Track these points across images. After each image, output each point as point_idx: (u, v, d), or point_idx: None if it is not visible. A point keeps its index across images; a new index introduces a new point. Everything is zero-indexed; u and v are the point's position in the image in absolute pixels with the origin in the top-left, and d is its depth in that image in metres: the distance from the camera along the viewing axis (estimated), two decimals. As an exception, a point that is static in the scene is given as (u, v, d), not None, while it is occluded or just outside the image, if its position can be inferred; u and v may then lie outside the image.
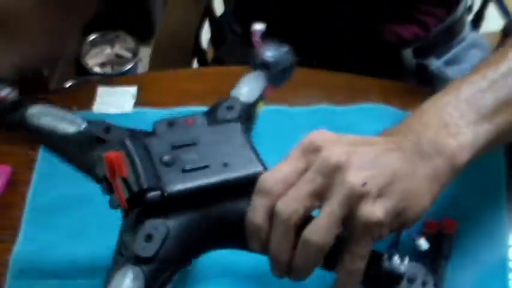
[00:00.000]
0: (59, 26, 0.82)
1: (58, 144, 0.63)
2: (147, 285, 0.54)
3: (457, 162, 0.58)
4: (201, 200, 0.57)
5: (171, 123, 0.62)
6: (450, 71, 0.98)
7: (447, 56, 1.00)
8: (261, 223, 0.55)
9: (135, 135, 0.61)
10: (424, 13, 0.96)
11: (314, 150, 0.56)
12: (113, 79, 1.24)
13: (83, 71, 1.84)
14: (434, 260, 0.67)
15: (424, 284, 0.56)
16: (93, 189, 0.69)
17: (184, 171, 0.57)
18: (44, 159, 0.78)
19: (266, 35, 0.69)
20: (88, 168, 0.61)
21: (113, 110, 0.84)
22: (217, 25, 1.20)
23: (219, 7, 1.19)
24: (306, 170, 0.55)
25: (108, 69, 1.87)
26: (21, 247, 0.71)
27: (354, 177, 0.53)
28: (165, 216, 0.56)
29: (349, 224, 0.54)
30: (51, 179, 0.77)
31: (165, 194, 0.56)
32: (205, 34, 1.21)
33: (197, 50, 1.18)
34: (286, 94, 0.82)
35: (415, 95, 0.78)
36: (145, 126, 0.63)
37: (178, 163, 0.58)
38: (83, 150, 0.61)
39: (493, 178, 0.74)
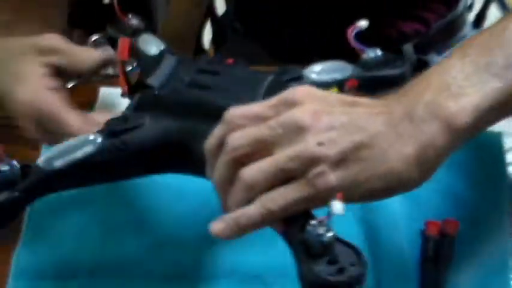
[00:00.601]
0: None
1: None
2: (98, 154, 0.59)
3: (456, 125, 0.52)
4: (181, 112, 0.61)
5: (214, 58, 0.68)
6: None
7: (448, 53, 1.00)
8: (212, 149, 0.56)
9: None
10: (424, 9, 0.96)
11: (290, 104, 0.54)
12: (114, 80, 1.24)
13: (84, 71, 1.84)
14: (436, 261, 0.67)
15: (341, 270, 0.49)
16: (93, 189, 0.69)
17: (187, 86, 0.63)
18: (44, 159, 0.78)
19: (269, 33, 0.69)
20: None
21: (114, 110, 0.84)
22: (218, 24, 1.19)
23: (220, 6, 1.19)
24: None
25: (109, 70, 1.87)
26: (22, 247, 0.71)
27: (312, 138, 0.52)
28: (152, 113, 0.62)
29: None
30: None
31: (155, 94, 0.64)
32: (207, 34, 1.21)
33: (199, 50, 1.17)
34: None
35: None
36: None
37: (189, 80, 0.64)
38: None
39: (494, 177, 0.74)
